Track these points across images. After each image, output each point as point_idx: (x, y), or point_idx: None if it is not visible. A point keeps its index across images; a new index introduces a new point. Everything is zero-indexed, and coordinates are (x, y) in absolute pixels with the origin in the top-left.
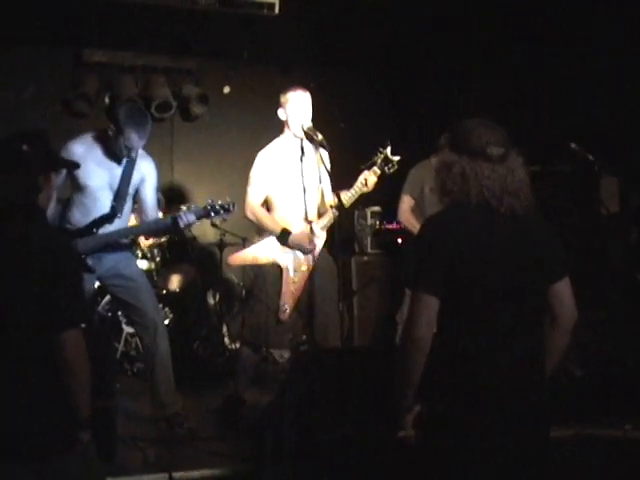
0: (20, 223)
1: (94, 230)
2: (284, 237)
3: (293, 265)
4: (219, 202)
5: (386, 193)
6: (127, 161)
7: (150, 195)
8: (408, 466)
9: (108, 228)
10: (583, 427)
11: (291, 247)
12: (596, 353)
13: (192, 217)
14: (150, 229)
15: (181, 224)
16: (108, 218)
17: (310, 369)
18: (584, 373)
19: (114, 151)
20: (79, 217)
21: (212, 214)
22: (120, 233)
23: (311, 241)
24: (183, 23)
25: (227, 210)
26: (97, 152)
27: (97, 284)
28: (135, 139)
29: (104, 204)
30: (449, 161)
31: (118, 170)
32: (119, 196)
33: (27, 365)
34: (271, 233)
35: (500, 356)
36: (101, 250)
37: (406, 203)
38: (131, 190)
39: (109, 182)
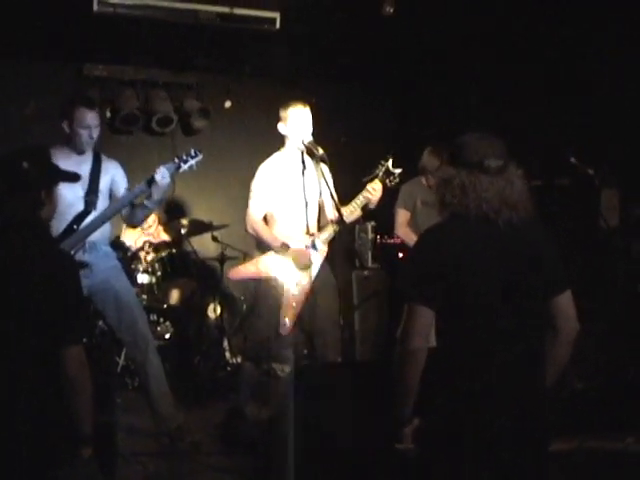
0: (24, 240)
1: (74, 227)
2: (282, 251)
3: (294, 280)
4: (184, 152)
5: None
6: (92, 162)
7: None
8: (407, 478)
9: (86, 221)
10: (584, 440)
11: (289, 262)
12: (597, 366)
13: (164, 171)
14: (128, 198)
15: (157, 178)
16: (83, 214)
17: (311, 384)
18: (585, 386)
19: (76, 149)
20: (56, 225)
21: (182, 164)
22: (102, 217)
23: (309, 257)
24: (184, 38)
25: (194, 156)
26: (64, 160)
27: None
28: (86, 113)
29: (79, 206)
30: (448, 175)
31: (86, 171)
32: (90, 192)
33: (29, 381)
34: (270, 247)
35: (499, 369)
36: (87, 237)
37: (402, 216)
38: (104, 188)
39: (81, 185)
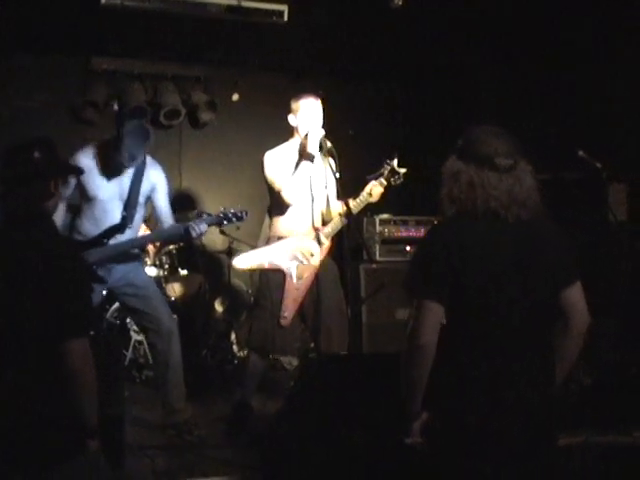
0: (30, 231)
1: (105, 240)
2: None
3: (296, 272)
4: (232, 210)
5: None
6: (135, 170)
7: (163, 203)
8: (416, 472)
9: (119, 238)
10: (592, 434)
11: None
12: (605, 361)
13: (204, 226)
14: (161, 237)
15: (194, 234)
16: (119, 228)
17: (318, 376)
18: (593, 381)
19: (115, 162)
20: (89, 227)
21: (224, 222)
22: (132, 243)
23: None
24: (192, 31)
25: (240, 218)
26: (102, 162)
27: (105, 292)
28: (126, 158)
29: (114, 215)
30: (457, 169)
31: (127, 180)
32: (129, 206)
33: (34, 373)
34: (274, 238)
35: (507, 364)
36: (112, 261)
37: None
38: (141, 199)
39: (119, 193)
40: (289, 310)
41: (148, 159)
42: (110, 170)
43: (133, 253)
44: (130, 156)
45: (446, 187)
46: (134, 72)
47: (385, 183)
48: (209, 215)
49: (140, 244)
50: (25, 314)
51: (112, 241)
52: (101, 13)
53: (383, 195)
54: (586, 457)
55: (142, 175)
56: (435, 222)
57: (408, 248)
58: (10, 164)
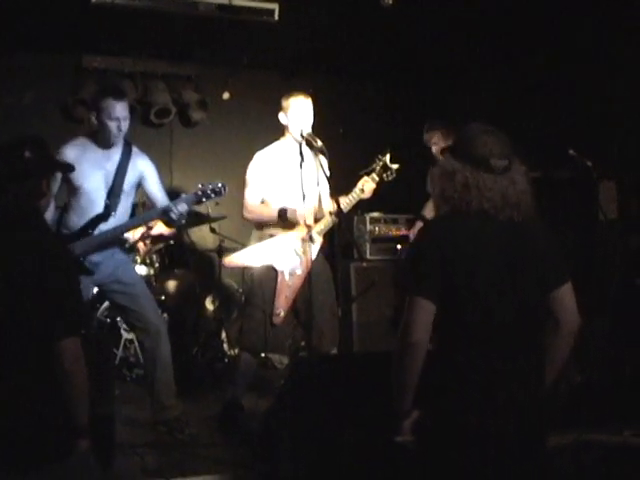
0: (22, 230)
1: (90, 231)
2: (283, 216)
3: (289, 269)
4: (210, 186)
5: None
6: (120, 159)
7: (156, 189)
8: (406, 471)
9: (103, 227)
10: (582, 433)
11: (292, 223)
12: (596, 359)
13: (183, 206)
14: (141, 220)
15: (173, 215)
16: (102, 217)
17: (309, 375)
18: (583, 379)
19: (104, 142)
20: (76, 220)
21: (203, 199)
22: (115, 230)
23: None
24: (182, 29)
25: (218, 193)
26: (90, 153)
27: (96, 290)
28: (115, 105)
29: (100, 205)
30: (451, 169)
31: (112, 169)
32: (112, 194)
33: (25, 372)
34: (269, 230)
35: (498, 363)
36: (98, 249)
37: None
38: (126, 188)
39: (104, 182)
40: (282, 308)
41: (134, 148)
42: (97, 159)
43: (119, 241)
44: (116, 121)
45: (439, 186)
46: (125, 70)
47: (377, 179)
48: (187, 195)
49: (122, 231)
50: (17, 313)
51: (96, 231)
52: (92, 11)
53: (375, 191)
54: (577, 456)
55: (127, 164)
56: (423, 220)
57: (399, 247)
58: (1, 163)
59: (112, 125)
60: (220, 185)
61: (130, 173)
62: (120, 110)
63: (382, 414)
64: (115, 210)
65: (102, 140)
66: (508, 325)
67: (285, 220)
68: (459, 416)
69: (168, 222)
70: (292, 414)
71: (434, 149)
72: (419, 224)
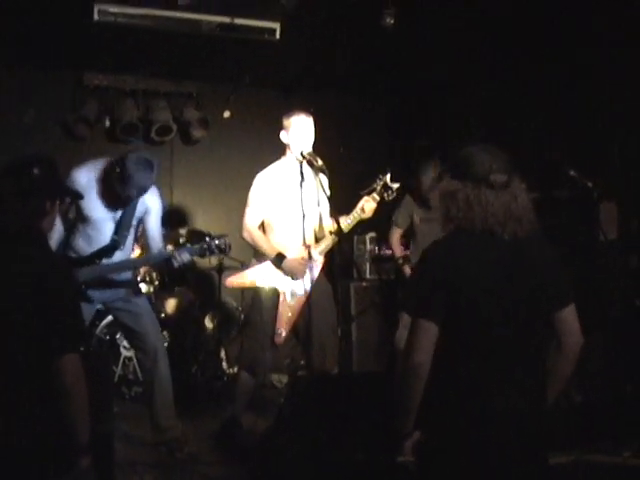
0: (24, 246)
1: (96, 261)
2: (278, 261)
3: (290, 290)
4: (216, 242)
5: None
6: None
7: (154, 226)
8: None
9: (109, 260)
10: (582, 453)
11: (284, 272)
12: (596, 379)
13: (187, 256)
14: (147, 263)
15: (175, 264)
16: (109, 250)
17: (308, 394)
18: (584, 399)
19: (116, 190)
20: (83, 245)
21: (207, 253)
22: (119, 266)
23: (304, 269)
24: (184, 47)
25: (222, 251)
26: (101, 184)
27: (98, 306)
28: (134, 194)
29: (107, 235)
30: (453, 188)
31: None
32: (121, 228)
33: (26, 389)
34: (266, 256)
35: (499, 383)
36: (101, 284)
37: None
38: (134, 222)
39: (112, 215)
40: (283, 328)
41: None
42: (112, 199)
43: (124, 278)
44: (138, 191)
45: (444, 206)
46: (126, 88)
47: (378, 198)
48: (192, 245)
49: (127, 268)
50: (17, 330)
51: (102, 262)
52: (94, 29)
53: (376, 211)
54: (576, 476)
55: (138, 200)
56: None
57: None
58: (9, 178)
59: (132, 192)
60: (226, 243)
61: (139, 207)
62: (137, 199)
63: (382, 433)
64: (123, 245)
65: (114, 185)
66: (510, 344)
67: (278, 267)
68: (458, 436)
69: (167, 267)
70: (291, 433)
71: (423, 178)
72: (393, 229)
